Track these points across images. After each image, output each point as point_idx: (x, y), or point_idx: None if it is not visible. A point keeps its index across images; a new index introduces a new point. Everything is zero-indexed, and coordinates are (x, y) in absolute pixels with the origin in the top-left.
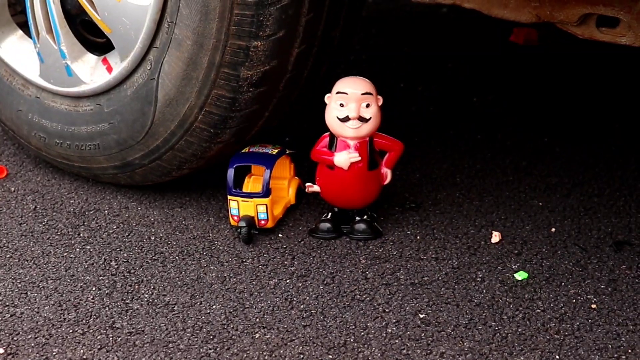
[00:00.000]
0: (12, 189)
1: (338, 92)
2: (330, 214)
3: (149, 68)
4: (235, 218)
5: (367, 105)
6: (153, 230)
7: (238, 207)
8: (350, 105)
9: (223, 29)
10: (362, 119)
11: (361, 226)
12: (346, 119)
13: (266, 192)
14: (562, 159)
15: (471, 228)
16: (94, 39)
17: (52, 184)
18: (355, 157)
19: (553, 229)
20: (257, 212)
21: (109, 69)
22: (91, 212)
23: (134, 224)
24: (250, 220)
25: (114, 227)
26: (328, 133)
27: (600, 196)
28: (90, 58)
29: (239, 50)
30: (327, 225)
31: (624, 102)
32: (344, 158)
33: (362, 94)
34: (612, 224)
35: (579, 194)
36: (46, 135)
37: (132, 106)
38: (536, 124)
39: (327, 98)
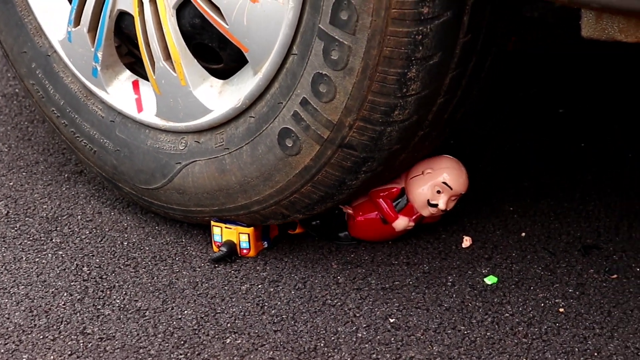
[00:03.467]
0: None
1: (444, 183)
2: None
3: (181, 148)
4: (217, 244)
5: (455, 199)
6: (126, 235)
7: (221, 234)
8: (444, 198)
9: (274, 198)
10: (444, 211)
11: (346, 233)
12: (433, 206)
13: (264, 233)
14: (532, 164)
15: (442, 233)
16: (134, 50)
17: (25, 189)
18: (411, 227)
19: (523, 234)
20: (240, 241)
21: (139, 104)
22: (64, 218)
23: (107, 229)
24: (232, 246)
25: (87, 232)
26: (401, 187)
27: (570, 201)
28: (123, 74)
29: (277, 215)
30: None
31: (599, 107)
32: (402, 226)
33: (461, 193)
34: (581, 229)
35: (549, 199)
36: (45, 96)
37: (144, 158)
38: (507, 129)
39: (427, 173)
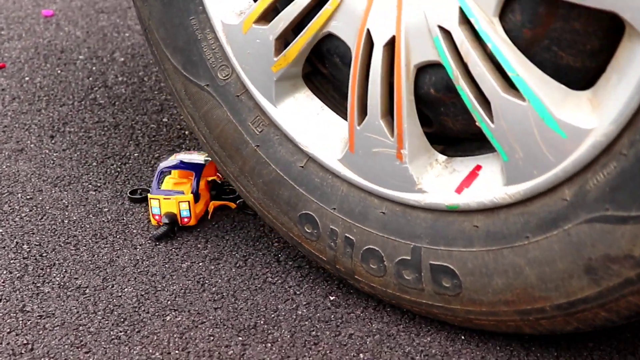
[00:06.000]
0: None
1: None
2: None
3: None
4: (157, 217)
5: None
6: (67, 213)
7: (159, 206)
8: None
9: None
10: None
11: None
12: None
13: (195, 196)
14: None
15: None
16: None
17: None
18: None
19: None
20: (180, 210)
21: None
22: (4, 196)
23: (48, 207)
24: (173, 218)
25: (27, 210)
26: None
27: None
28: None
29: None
30: None
31: None
32: None
33: None
34: None
35: None
36: None
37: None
38: None
39: None
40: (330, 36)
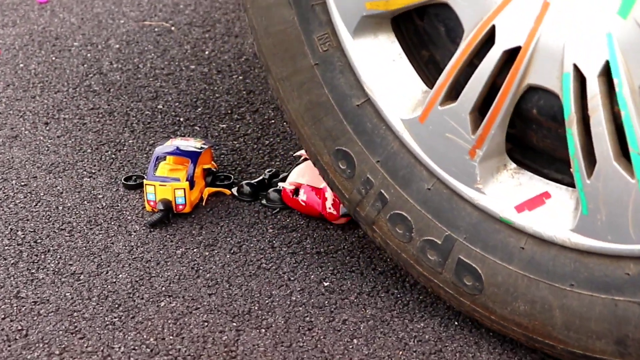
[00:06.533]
0: None
1: None
2: (251, 181)
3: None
4: (152, 203)
5: None
6: (61, 200)
7: (155, 192)
8: None
9: None
10: None
11: (275, 195)
12: None
13: (191, 183)
14: None
15: None
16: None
17: None
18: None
19: None
20: (175, 197)
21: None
22: None
23: (42, 194)
24: (168, 204)
25: (22, 196)
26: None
27: None
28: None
29: None
30: (249, 189)
31: None
32: (340, 222)
33: None
34: None
35: None
36: None
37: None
38: None
39: None
40: (444, 5)
